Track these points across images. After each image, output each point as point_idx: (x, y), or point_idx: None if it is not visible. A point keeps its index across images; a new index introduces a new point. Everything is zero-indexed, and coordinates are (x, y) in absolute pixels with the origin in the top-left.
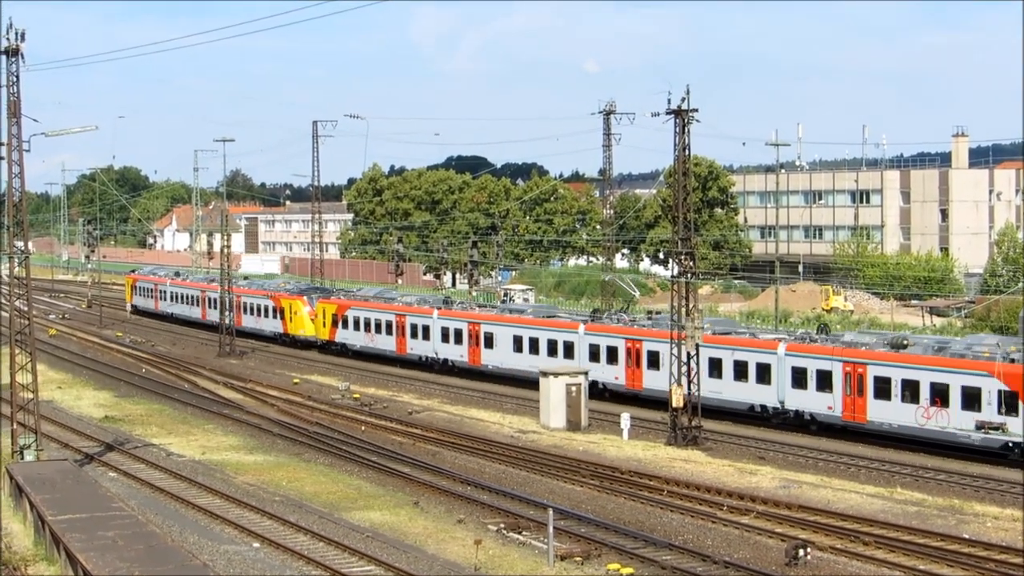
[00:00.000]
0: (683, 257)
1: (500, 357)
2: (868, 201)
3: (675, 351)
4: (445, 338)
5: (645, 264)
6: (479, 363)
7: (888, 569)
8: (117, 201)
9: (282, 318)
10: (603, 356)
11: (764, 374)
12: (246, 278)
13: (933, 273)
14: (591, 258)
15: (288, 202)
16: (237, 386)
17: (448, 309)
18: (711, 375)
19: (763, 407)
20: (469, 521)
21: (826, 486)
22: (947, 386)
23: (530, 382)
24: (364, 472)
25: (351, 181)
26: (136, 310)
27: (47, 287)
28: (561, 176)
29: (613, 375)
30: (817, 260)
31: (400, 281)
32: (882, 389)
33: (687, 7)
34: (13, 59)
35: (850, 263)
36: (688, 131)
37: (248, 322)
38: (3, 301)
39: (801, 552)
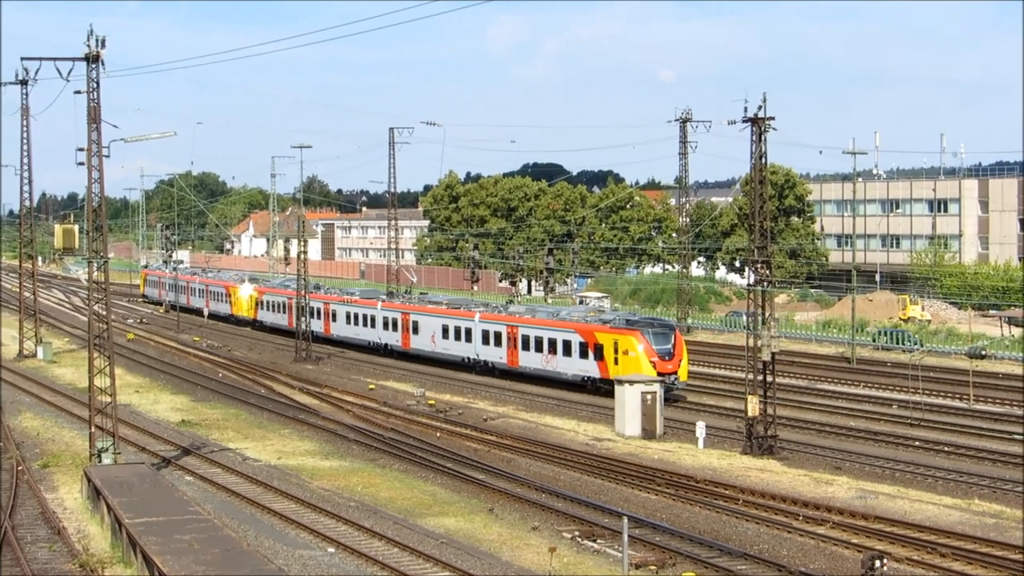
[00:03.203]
0: (759, 265)
1: (340, 328)
2: (946, 210)
3: (750, 360)
4: (313, 315)
5: (721, 272)
6: (329, 333)
7: None
8: (195, 207)
9: (230, 302)
10: (391, 326)
11: (468, 336)
12: (204, 271)
13: (1011, 283)
14: (667, 266)
15: (364, 208)
16: (313, 391)
17: (316, 293)
18: (444, 337)
19: (467, 359)
20: (544, 528)
21: (903, 497)
22: (557, 340)
23: (360, 347)
24: (439, 478)
25: (427, 188)
26: (145, 298)
27: (126, 291)
28: (637, 184)
29: (395, 339)
30: (894, 269)
31: (476, 288)
32: (526, 344)
33: (763, 15)
34: (93, 65)
35: (927, 272)
36: (765, 139)
37: (213, 306)
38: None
39: (878, 563)
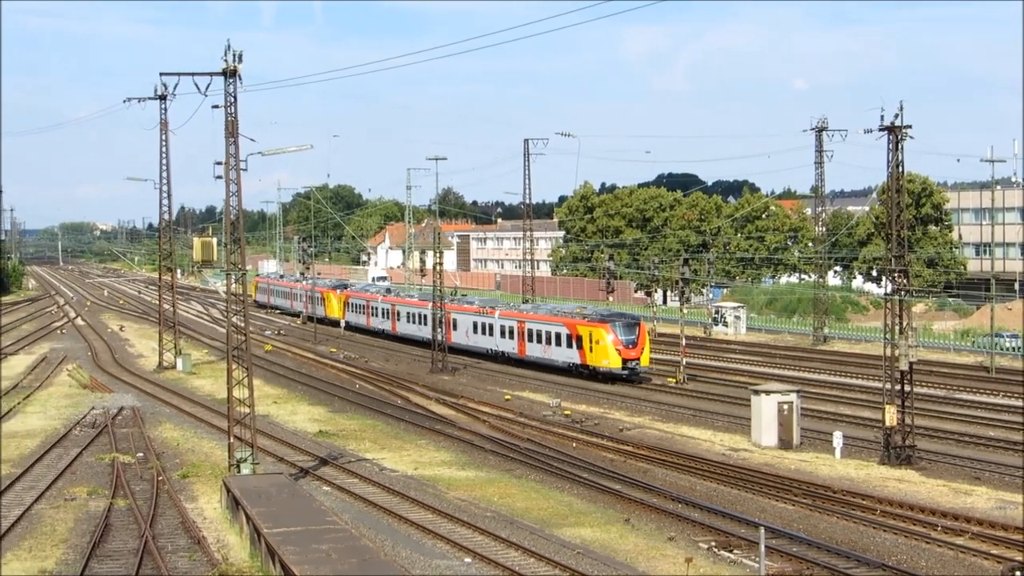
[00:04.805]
0: (896, 275)
1: (403, 326)
2: None
3: (887, 369)
4: (383, 315)
5: (858, 282)
6: (396, 331)
7: None
8: (331, 219)
9: (324, 305)
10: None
11: (491, 330)
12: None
13: None
14: (803, 275)
15: (500, 220)
16: (449, 402)
17: (387, 296)
18: (475, 332)
19: (490, 350)
20: (680, 539)
21: None
22: (551, 333)
23: (415, 342)
24: (575, 489)
25: (562, 199)
26: (256, 303)
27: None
28: (772, 193)
29: (441, 335)
30: None
31: (611, 299)
32: (530, 336)
33: (898, 24)
34: (231, 80)
35: None
36: (901, 148)
37: (311, 309)
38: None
39: (1018, 574)
